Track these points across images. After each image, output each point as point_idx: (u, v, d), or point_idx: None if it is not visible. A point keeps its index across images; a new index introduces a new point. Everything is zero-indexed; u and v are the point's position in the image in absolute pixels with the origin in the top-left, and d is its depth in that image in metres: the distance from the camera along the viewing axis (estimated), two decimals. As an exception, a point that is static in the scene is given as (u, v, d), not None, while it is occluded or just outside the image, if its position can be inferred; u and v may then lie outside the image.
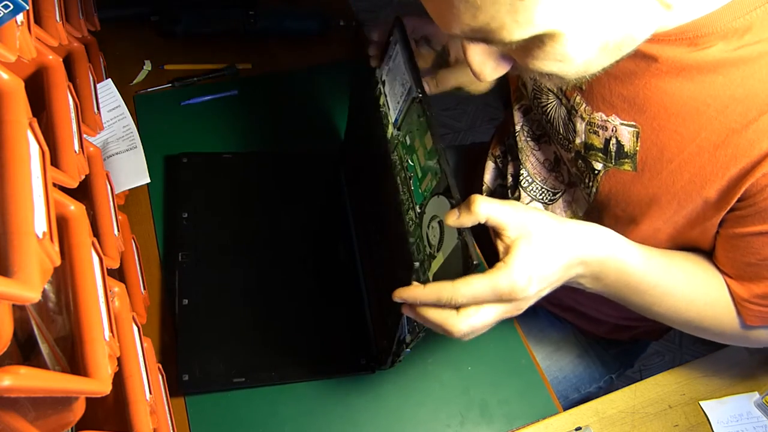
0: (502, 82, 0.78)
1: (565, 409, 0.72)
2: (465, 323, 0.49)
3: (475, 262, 0.47)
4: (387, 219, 0.65)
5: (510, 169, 0.80)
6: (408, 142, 0.60)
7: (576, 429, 0.70)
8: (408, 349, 0.65)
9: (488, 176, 0.85)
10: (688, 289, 0.59)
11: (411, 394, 0.73)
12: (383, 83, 0.66)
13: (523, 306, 0.51)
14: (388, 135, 0.65)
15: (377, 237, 0.71)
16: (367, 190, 0.76)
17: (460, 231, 0.49)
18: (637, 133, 0.56)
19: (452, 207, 0.50)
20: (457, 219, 0.48)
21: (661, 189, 0.57)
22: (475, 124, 1.93)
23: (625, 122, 0.57)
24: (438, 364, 0.75)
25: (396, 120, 0.63)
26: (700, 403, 0.72)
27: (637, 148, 0.57)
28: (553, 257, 0.50)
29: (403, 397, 0.73)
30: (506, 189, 0.80)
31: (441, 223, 0.52)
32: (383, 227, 0.68)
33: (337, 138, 0.94)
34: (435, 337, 0.76)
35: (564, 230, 0.51)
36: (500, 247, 0.50)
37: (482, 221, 0.49)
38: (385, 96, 0.65)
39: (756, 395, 0.73)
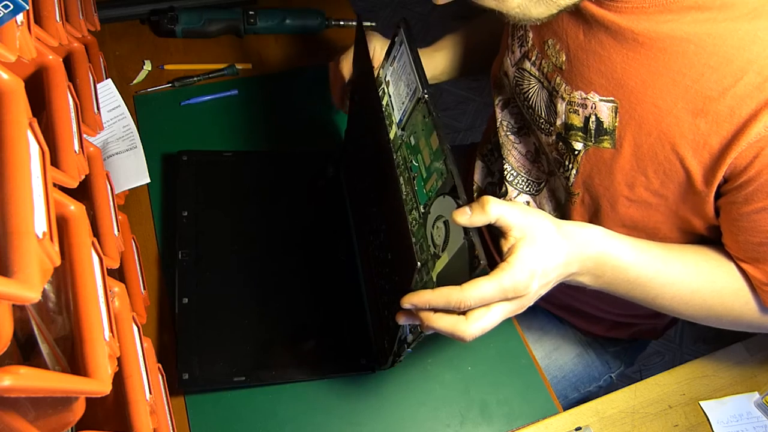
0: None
1: (565, 408, 0.72)
2: (474, 326, 0.50)
3: (482, 262, 0.47)
4: (388, 219, 0.65)
5: (497, 166, 0.80)
6: (412, 142, 0.60)
7: (576, 429, 0.70)
8: (409, 349, 0.65)
9: (478, 175, 0.85)
10: (689, 278, 0.59)
11: (411, 394, 0.73)
12: (387, 84, 0.66)
13: (526, 303, 0.52)
14: (392, 135, 0.65)
15: (378, 237, 0.71)
16: (367, 190, 0.76)
17: (467, 231, 0.49)
18: (616, 108, 0.57)
19: (458, 207, 0.50)
20: (468, 218, 0.49)
21: (645, 161, 0.57)
22: (475, 124, 1.93)
23: (604, 98, 0.58)
24: (438, 364, 0.75)
25: (400, 120, 0.63)
26: (700, 403, 0.72)
27: (616, 124, 0.58)
28: (552, 256, 0.51)
29: (403, 397, 0.73)
30: (495, 186, 0.81)
31: (447, 223, 0.53)
32: (384, 227, 0.68)
33: (337, 138, 0.95)
34: (435, 337, 0.76)
35: (561, 231, 0.53)
36: (504, 247, 0.51)
37: (493, 221, 0.50)
38: (389, 96, 0.65)
39: (756, 395, 0.73)
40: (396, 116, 0.64)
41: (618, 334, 0.90)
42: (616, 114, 0.57)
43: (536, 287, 0.51)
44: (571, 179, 0.64)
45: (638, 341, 0.96)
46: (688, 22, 0.51)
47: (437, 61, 0.87)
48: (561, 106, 0.62)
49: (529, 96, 0.67)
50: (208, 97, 0.95)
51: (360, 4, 2.11)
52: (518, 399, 0.73)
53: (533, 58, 0.65)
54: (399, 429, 0.71)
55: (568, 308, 0.88)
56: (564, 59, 0.60)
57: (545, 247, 0.51)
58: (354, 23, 1.06)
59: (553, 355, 0.91)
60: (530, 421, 0.71)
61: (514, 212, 0.51)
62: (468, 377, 0.75)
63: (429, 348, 0.76)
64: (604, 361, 0.93)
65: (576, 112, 0.61)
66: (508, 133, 0.74)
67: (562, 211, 0.70)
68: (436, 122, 0.55)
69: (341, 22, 1.06)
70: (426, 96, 0.57)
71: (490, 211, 0.49)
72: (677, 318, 0.77)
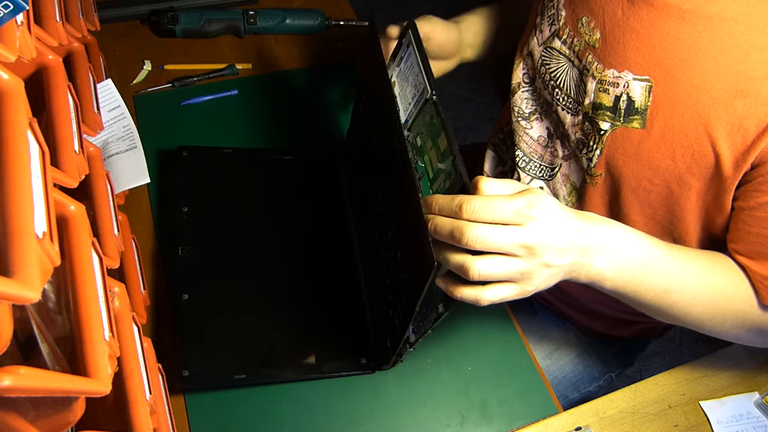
0: (500, 80, 0.78)
1: (565, 408, 0.72)
2: (482, 263, 0.47)
3: None
4: (400, 218, 0.64)
5: (509, 154, 0.80)
6: (418, 143, 0.60)
7: (576, 429, 0.70)
8: (412, 349, 0.65)
9: (488, 165, 0.85)
10: (698, 268, 0.58)
11: (411, 394, 0.73)
12: (393, 85, 0.66)
13: (534, 270, 0.49)
14: None
15: (384, 236, 0.71)
16: (374, 189, 0.75)
17: None
18: (650, 87, 0.57)
19: None
20: None
21: (674, 144, 0.57)
22: (475, 124, 1.93)
23: (639, 77, 0.57)
24: (438, 364, 0.75)
25: (406, 121, 0.63)
26: (700, 403, 0.72)
27: (649, 103, 0.57)
28: (567, 214, 0.49)
29: (403, 397, 0.73)
30: (506, 174, 0.81)
31: None
32: (394, 226, 0.68)
33: (337, 137, 0.95)
34: (436, 337, 0.76)
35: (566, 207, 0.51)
36: None
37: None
38: (395, 97, 0.65)
39: (756, 395, 0.73)
40: (402, 117, 0.64)
41: (619, 332, 0.90)
42: (649, 93, 0.57)
43: (551, 250, 0.47)
44: (594, 160, 0.63)
45: (638, 341, 0.96)
46: (739, 1, 0.51)
47: (458, 32, 0.82)
48: (591, 85, 0.62)
49: (557, 75, 0.67)
50: (208, 97, 0.95)
51: (360, 4, 2.11)
52: (518, 399, 0.73)
53: (564, 37, 0.65)
54: (399, 429, 0.71)
55: (573, 304, 0.88)
56: (598, 37, 0.60)
57: (557, 205, 0.49)
58: (354, 23, 1.07)
59: (554, 356, 0.91)
60: (530, 421, 0.71)
61: (509, 184, 0.49)
62: (468, 377, 0.75)
63: (429, 348, 0.76)
64: (604, 361, 0.93)
65: (606, 91, 0.60)
66: (520, 119, 0.74)
67: (579, 194, 0.70)
68: (445, 123, 0.56)
69: (341, 22, 1.06)
70: (435, 97, 0.57)
71: (485, 189, 0.48)
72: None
